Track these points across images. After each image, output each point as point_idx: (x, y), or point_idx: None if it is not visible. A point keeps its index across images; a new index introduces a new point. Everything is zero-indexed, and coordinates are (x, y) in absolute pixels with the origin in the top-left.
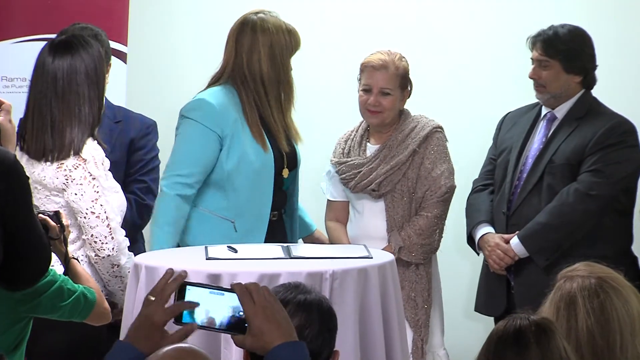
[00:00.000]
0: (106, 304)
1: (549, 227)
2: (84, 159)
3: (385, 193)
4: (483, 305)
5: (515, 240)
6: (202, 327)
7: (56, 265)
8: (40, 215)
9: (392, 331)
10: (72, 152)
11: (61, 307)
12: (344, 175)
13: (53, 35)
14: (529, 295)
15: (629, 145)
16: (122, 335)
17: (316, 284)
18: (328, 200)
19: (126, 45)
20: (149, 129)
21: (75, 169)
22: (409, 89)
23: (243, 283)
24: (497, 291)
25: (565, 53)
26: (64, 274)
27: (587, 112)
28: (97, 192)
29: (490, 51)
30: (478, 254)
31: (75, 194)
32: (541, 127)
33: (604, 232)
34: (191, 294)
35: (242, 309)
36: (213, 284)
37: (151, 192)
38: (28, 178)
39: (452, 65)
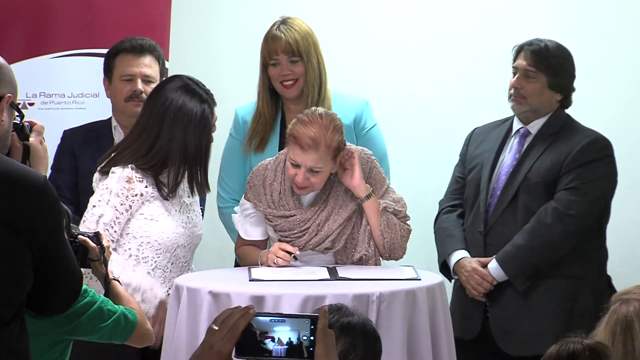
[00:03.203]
0: (148, 325)
1: (527, 249)
2: (113, 171)
3: (340, 248)
4: (457, 327)
5: (493, 264)
6: (267, 357)
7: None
8: (80, 236)
9: (441, 355)
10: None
11: (101, 328)
12: (286, 233)
13: (92, 50)
14: (504, 317)
15: (605, 162)
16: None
17: (363, 307)
18: (241, 237)
19: (167, 61)
20: None
21: (100, 178)
22: (342, 149)
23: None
24: (474, 314)
25: (554, 68)
26: (105, 295)
27: (562, 128)
28: (100, 200)
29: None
30: (451, 280)
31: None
32: (514, 142)
33: (581, 251)
34: (256, 324)
35: (303, 335)
36: (256, 305)
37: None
38: (58, 200)
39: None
